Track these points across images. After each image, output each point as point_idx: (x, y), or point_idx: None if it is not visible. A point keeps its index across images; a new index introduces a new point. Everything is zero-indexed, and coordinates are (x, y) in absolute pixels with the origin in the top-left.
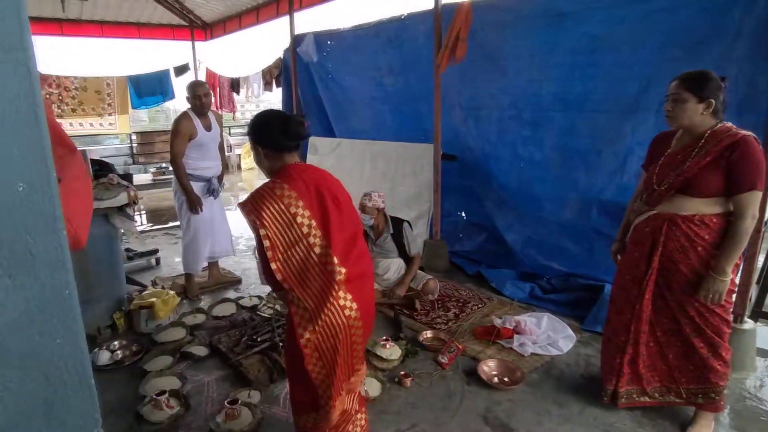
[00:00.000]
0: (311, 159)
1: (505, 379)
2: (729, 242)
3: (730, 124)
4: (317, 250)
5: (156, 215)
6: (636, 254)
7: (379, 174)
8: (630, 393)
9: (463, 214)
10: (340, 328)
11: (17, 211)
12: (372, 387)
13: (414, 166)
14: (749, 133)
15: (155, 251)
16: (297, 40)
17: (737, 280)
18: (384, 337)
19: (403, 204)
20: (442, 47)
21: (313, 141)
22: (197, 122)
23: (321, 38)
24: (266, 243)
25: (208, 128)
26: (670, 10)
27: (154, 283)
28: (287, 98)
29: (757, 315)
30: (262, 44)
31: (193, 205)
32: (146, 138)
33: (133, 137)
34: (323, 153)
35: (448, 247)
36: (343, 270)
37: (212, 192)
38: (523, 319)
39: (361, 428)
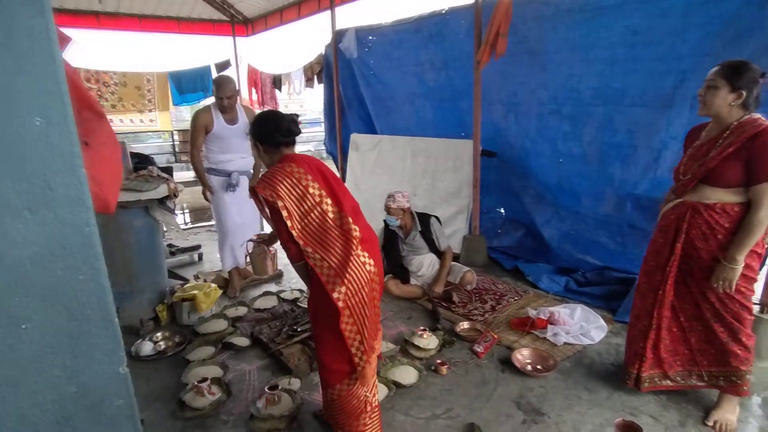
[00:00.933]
0: (352, 155)
1: (538, 367)
2: (742, 231)
3: (758, 115)
4: (331, 214)
5: (198, 213)
6: (661, 240)
7: (420, 170)
8: (652, 377)
9: (502, 210)
10: (365, 282)
11: (35, 144)
12: (409, 375)
13: (454, 162)
14: None
15: (197, 247)
16: (338, 35)
17: (759, 270)
18: (422, 328)
19: (443, 200)
20: (483, 43)
21: (355, 138)
22: (217, 115)
23: (362, 33)
24: (284, 213)
25: (232, 122)
26: (713, 2)
27: (196, 278)
28: (329, 95)
29: None
30: (303, 40)
31: (204, 192)
32: (188, 136)
33: (175, 135)
34: (364, 150)
35: (487, 243)
36: (357, 228)
37: (232, 187)
38: (557, 310)
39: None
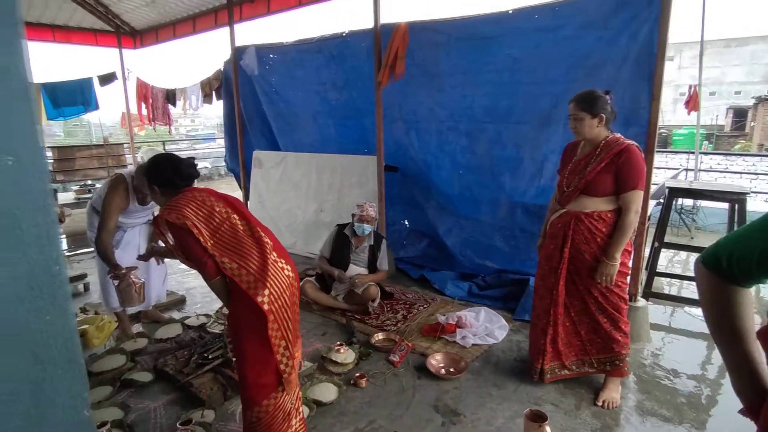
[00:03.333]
0: (255, 172)
1: (451, 370)
2: (617, 232)
3: (619, 134)
4: (241, 227)
5: (79, 238)
6: (552, 247)
7: (325, 186)
8: (553, 368)
9: (407, 222)
10: (285, 286)
11: (5, 184)
12: (329, 391)
13: (359, 177)
14: (633, 142)
15: (83, 276)
16: (238, 52)
17: (630, 265)
18: (338, 343)
19: (350, 213)
20: (382, 65)
21: (257, 155)
22: (132, 198)
23: (263, 51)
24: (195, 231)
25: (144, 202)
26: (574, 38)
27: (84, 310)
28: (229, 111)
29: (648, 295)
30: (200, 55)
31: (115, 271)
32: (65, 153)
33: (49, 153)
34: (268, 166)
35: (394, 254)
36: (268, 239)
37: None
38: (464, 314)
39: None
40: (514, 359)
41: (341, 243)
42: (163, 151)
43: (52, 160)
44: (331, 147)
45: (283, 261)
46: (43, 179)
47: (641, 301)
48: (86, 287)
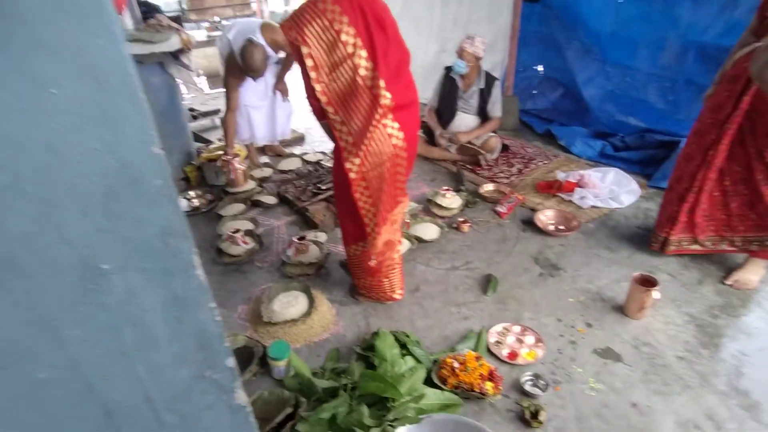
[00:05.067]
0: None
1: (561, 227)
2: None
3: None
4: (362, 72)
5: (215, 78)
6: (725, 94)
7: (450, 21)
8: (680, 241)
9: (540, 68)
10: (387, 156)
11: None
12: (430, 231)
13: (489, 9)
14: None
15: (218, 111)
16: None
17: None
18: (445, 188)
19: None
20: None
21: None
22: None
23: None
24: (309, 62)
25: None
26: None
27: (220, 140)
28: None
29: None
30: None
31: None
32: None
33: None
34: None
35: (520, 105)
36: (389, 95)
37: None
38: (588, 173)
39: (398, 254)
40: (637, 227)
41: (449, 87)
42: None
43: (185, 0)
44: None
45: (398, 125)
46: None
47: None
48: (222, 121)
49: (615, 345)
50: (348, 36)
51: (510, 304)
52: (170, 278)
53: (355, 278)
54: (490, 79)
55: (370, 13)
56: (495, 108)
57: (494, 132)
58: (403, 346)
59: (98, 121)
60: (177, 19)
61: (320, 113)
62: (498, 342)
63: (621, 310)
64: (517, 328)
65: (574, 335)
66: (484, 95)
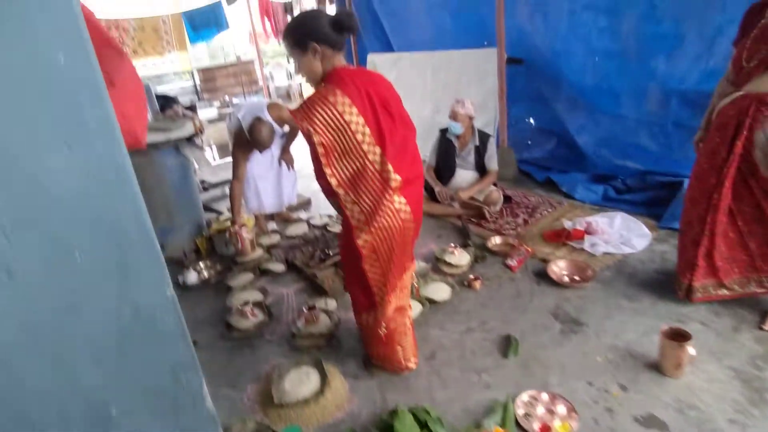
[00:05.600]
0: None
1: (576, 278)
2: None
3: None
4: (371, 157)
5: (225, 148)
6: (717, 140)
7: (441, 85)
8: (706, 287)
9: (532, 120)
10: (396, 230)
11: (62, 81)
12: (442, 291)
13: (478, 73)
14: None
15: (228, 181)
16: None
17: None
18: (452, 245)
19: None
20: None
21: (372, 58)
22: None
23: None
24: (320, 150)
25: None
26: None
27: (229, 210)
28: None
29: None
30: None
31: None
32: (208, 74)
33: (196, 75)
34: (383, 69)
35: (517, 155)
36: (399, 177)
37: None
38: (595, 220)
39: (409, 320)
40: (655, 271)
41: (445, 147)
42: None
43: (199, 82)
44: (447, 42)
45: (404, 201)
46: (94, 74)
47: None
48: (230, 191)
49: (657, 410)
50: (357, 126)
51: (534, 368)
52: (179, 414)
53: (368, 348)
54: (484, 136)
55: (376, 97)
56: (491, 162)
57: (494, 185)
58: (423, 425)
59: (115, 274)
60: (192, 107)
61: (330, 192)
62: (527, 414)
63: (655, 367)
64: (545, 396)
65: (609, 401)
66: (480, 151)
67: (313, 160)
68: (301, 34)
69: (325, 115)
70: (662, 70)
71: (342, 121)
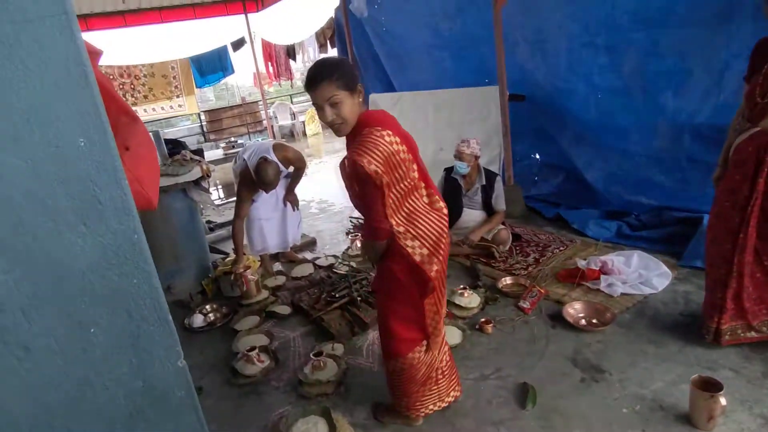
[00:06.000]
0: None
1: (594, 321)
2: None
3: None
4: (421, 191)
5: (231, 187)
6: (737, 177)
7: (444, 123)
8: (734, 329)
9: (537, 156)
10: (446, 256)
11: (82, 164)
12: (452, 335)
13: (480, 111)
14: None
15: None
16: None
17: None
18: (462, 286)
19: None
20: None
21: (374, 98)
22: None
23: None
24: (385, 191)
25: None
26: None
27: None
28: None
29: None
30: (313, 6)
31: (237, 264)
32: (214, 116)
33: (203, 116)
34: (384, 108)
35: (524, 192)
36: (443, 204)
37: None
38: (610, 259)
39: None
40: (680, 314)
41: (451, 187)
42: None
43: (205, 122)
44: (447, 82)
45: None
46: (113, 156)
47: None
48: (232, 230)
49: None
50: (410, 164)
51: (555, 420)
52: None
53: (402, 397)
54: (490, 175)
55: (407, 134)
56: (499, 202)
57: (502, 223)
58: None
59: (129, 348)
60: (199, 152)
61: (384, 235)
62: None
63: (686, 419)
64: None
65: None
66: (487, 191)
67: (370, 205)
68: (352, 75)
69: (387, 156)
70: (671, 105)
71: (399, 160)
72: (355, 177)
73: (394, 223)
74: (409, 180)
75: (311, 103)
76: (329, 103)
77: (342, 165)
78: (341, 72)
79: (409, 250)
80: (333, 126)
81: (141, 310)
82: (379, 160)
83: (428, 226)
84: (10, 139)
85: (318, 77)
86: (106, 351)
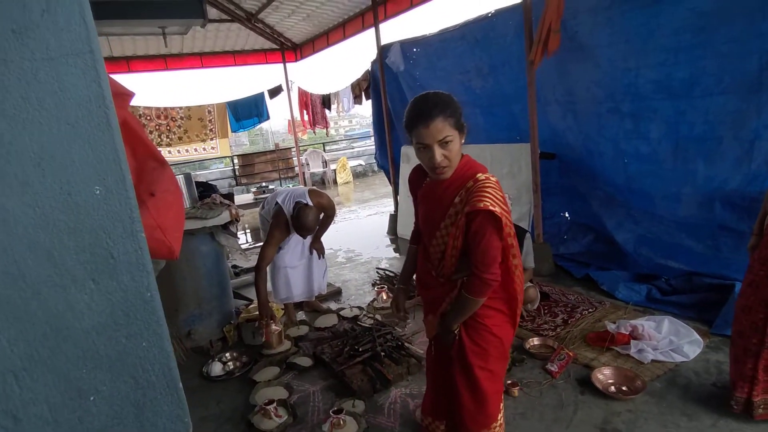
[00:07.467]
0: (404, 168)
1: (624, 389)
2: None
3: None
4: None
5: (258, 232)
6: None
7: None
8: (767, 402)
9: (567, 215)
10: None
11: (96, 214)
12: None
13: (510, 167)
14: None
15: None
16: (383, 50)
17: None
18: None
19: None
20: (535, 41)
21: (405, 150)
22: (292, 231)
23: (407, 46)
24: (506, 229)
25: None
26: None
27: None
28: (377, 109)
29: None
30: (349, 58)
31: (262, 321)
32: (247, 160)
33: (235, 160)
34: (416, 161)
35: (553, 250)
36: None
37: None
38: (641, 324)
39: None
40: (713, 384)
41: None
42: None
43: (238, 166)
44: (479, 137)
45: None
46: (130, 206)
47: None
48: (255, 280)
49: None
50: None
51: None
52: None
53: None
54: (520, 232)
55: None
56: (528, 259)
57: (530, 281)
58: None
59: (130, 419)
60: (230, 195)
61: (499, 273)
62: None
63: None
64: None
65: None
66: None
67: (492, 253)
68: (460, 115)
69: (505, 207)
70: (702, 172)
71: (508, 208)
72: (479, 229)
73: (517, 279)
74: (512, 229)
75: (340, 150)
76: (440, 143)
77: (424, 193)
78: (453, 109)
79: (516, 276)
80: (437, 168)
81: (149, 376)
82: (506, 211)
83: (520, 283)
84: (17, 183)
85: (432, 113)
86: (106, 421)
